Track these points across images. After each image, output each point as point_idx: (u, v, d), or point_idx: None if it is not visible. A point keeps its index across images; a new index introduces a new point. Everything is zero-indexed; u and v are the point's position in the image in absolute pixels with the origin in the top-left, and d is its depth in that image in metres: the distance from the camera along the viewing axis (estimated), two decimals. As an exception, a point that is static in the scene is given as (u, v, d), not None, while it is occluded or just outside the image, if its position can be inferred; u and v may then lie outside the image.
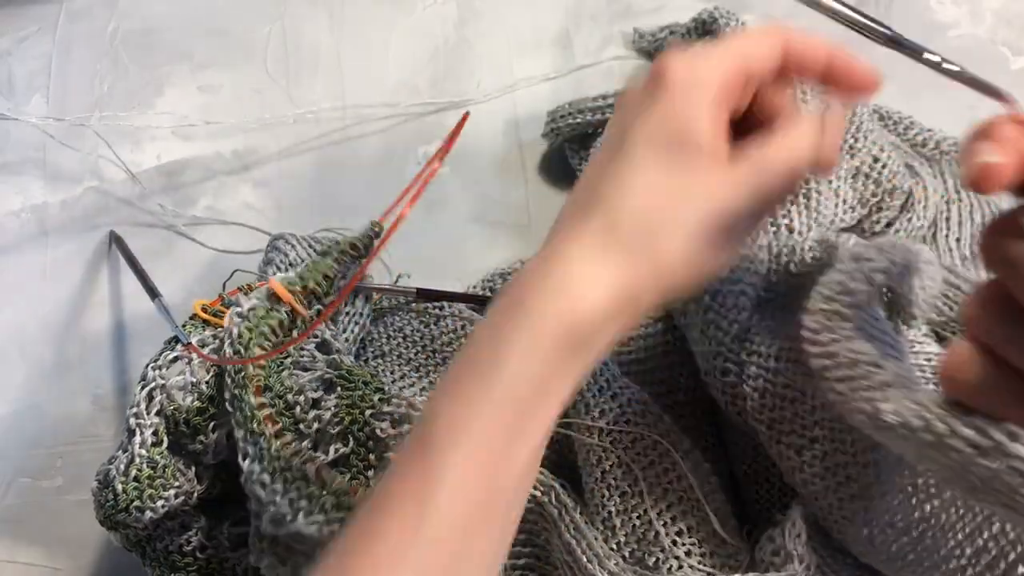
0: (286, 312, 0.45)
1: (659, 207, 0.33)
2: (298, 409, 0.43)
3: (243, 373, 0.43)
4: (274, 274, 0.49)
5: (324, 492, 0.40)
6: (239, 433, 0.43)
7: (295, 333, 0.45)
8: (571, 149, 0.60)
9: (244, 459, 0.43)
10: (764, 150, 0.33)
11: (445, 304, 0.52)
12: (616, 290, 0.32)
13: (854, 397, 0.33)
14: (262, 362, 0.43)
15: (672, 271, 0.33)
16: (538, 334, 0.31)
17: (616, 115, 0.37)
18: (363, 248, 0.49)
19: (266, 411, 0.42)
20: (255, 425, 0.42)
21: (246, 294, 0.47)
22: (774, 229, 0.45)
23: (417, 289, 0.52)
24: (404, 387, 0.50)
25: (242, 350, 0.44)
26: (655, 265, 0.33)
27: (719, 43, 0.34)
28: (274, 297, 0.46)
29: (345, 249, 0.49)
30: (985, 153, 0.27)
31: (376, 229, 0.50)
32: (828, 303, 0.36)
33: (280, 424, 0.42)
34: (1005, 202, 0.55)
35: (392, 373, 0.50)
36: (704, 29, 0.59)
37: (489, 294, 0.55)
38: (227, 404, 0.43)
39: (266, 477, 0.41)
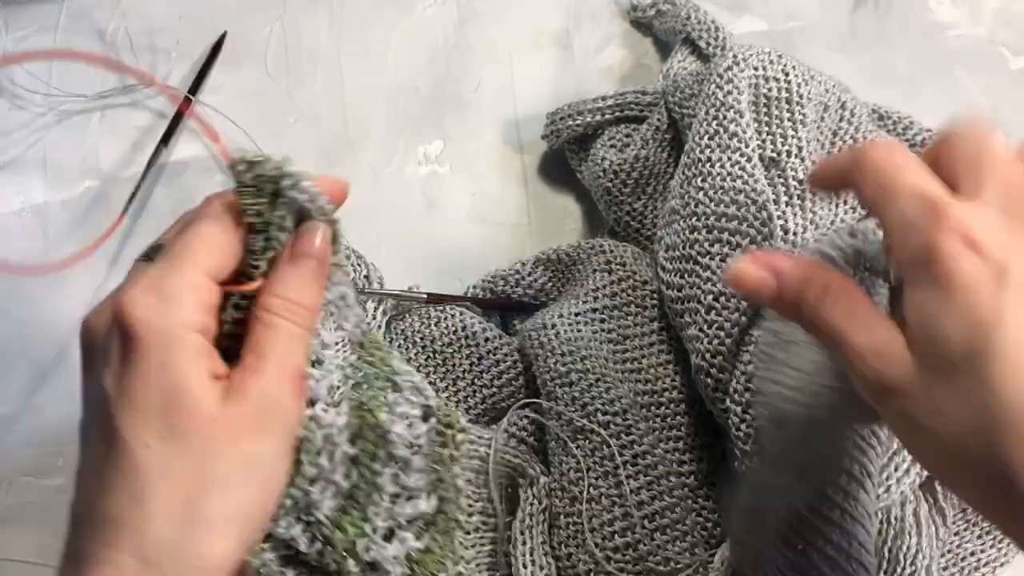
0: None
1: (186, 500, 0.27)
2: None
3: None
4: None
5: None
6: None
7: None
8: (571, 150, 0.60)
9: None
10: (253, 378, 0.29)
11: (445, 306, 0.53)
12: None
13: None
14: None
15: (219, 568, 0.28)
16: None
17: (86, 388, 0.32)
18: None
19: None
20: None
21: None
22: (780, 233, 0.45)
23: (428, 294, 0.53)
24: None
25: None
26: None
27: (176, 262, 0.30)
28: None
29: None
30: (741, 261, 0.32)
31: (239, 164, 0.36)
32: None
33: None
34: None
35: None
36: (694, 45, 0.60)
37: (491, 295, 0.55)
38: None
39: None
